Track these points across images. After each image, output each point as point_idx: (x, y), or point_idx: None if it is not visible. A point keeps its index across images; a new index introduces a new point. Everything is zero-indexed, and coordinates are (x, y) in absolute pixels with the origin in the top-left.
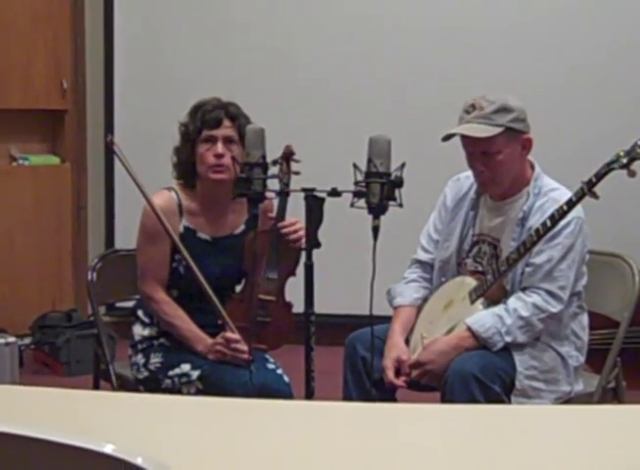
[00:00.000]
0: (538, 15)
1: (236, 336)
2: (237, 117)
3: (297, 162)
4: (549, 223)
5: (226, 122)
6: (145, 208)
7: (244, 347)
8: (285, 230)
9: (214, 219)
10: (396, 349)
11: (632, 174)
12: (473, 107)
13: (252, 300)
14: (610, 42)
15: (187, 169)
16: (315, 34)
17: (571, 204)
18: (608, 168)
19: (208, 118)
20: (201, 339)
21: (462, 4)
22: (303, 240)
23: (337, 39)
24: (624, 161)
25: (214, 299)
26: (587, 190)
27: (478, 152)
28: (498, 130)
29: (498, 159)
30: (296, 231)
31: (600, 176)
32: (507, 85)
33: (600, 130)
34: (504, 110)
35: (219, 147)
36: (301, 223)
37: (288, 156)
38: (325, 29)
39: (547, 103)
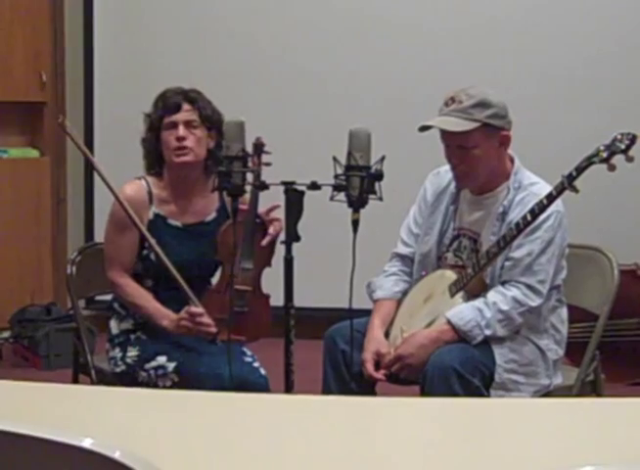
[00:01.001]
0: (522, 9)
1: (200, 310)
2: (196, 101)
3: (267, 153)
4: (529, 217)
5: (185, 106)
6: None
7: (209, 320)
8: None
9: (185, 206)
10: (376, 342)
11: (612, 168)
12: (452, 100)
13: (230, 290)
14: (592, 39)
15: (154, 159)
16: (295, 27)
17: (551, 198)
18: (588, 162)
19: (168, 104)
20: (165, 315)
21: None
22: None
23: (317, 32)
24: (604, 155)
25: (175, 273)
26: (567, 184)
27: (453, 145)
28: (474, 125)
29: (473, 153)
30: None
31: (580, 170)
32: (489, 78)
33: (581, 124)
34: (483, 105)
35: (180, 130)
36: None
37: (259, 148)
38: (304, 22)
39: (529, 97)
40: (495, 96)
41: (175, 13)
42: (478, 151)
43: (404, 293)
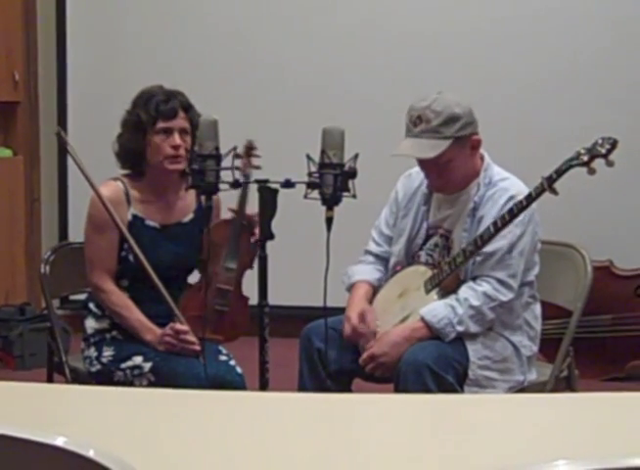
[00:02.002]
0: (502, 10)
1: (185, 327)
2: (189, 108)
3: (257, 156)
4: (507, 217)
5: (181, 114)
6: (92, 198)
7: (193, 338)
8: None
9: (163, 207)
10: (359, 306)
11: (592, 172)
12: (420, 119)
13: (211, 289)
14: (573, 43)
15: (134, 158)
16: (269, 26)
17: (530, 199)
18: (568, 165)
19: (164, 110)
20: (149, 329)
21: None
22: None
23: (291, 31)
24: (585, 158)
25: (163, 290)
26: (547, 186)
27: (429, 164)
28: (447, 143)
29: (449, 166)
30: None
31: (560, 173)
32: (464, 79)
33: (563, 127)
34: (451, 120)
35: (176, 138)
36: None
37: (248, 150)
38: (279, 20)
39: (510, 99)
40: (459, 104)
41: (149, 10)
42: (452, 163)
43: (379, 285)
